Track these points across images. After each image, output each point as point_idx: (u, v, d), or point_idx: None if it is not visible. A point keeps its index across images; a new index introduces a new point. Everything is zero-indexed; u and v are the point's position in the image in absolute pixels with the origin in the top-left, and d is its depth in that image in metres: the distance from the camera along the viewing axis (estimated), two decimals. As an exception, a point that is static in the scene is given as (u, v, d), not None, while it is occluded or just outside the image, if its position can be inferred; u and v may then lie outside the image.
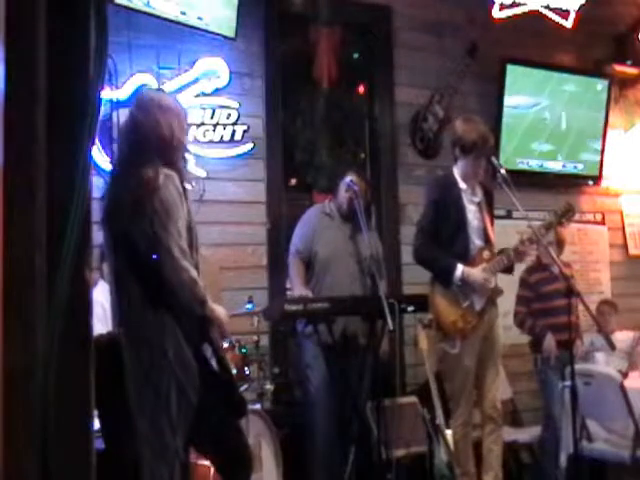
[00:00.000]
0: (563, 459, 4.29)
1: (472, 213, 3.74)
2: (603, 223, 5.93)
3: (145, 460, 2.37)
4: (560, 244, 4.63)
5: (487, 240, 3.76)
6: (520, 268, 4.36)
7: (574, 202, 4.34)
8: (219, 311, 2.57)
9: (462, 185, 3.74)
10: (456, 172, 3.77)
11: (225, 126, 4.34)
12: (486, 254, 3.72)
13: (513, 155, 5.29)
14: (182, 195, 2.51)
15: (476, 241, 3.72)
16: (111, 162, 2.52)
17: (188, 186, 2.65)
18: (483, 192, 3.80)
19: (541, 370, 4.51)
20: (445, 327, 3.69)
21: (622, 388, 3.93)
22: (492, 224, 3.87)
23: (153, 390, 2.37)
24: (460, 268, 3.63)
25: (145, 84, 4.11)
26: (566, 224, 3.97)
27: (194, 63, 4.28)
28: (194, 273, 2.45)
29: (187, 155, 2.74)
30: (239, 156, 4.42)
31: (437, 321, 3.74)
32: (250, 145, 4.43)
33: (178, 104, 2.69)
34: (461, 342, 3.64)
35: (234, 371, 3.45)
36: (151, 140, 2.51)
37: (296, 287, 4.06)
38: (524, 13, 5.00)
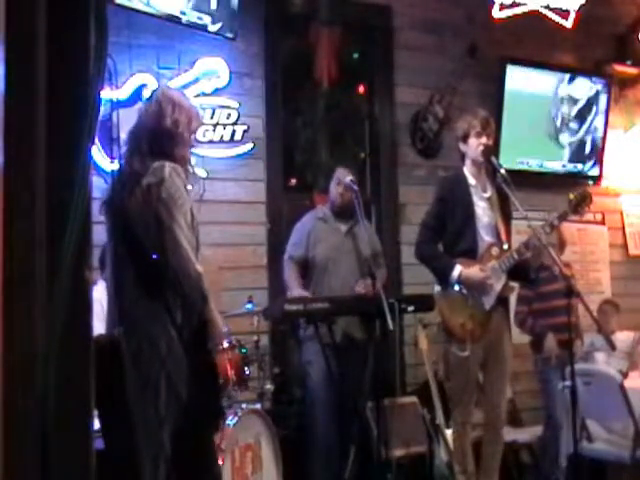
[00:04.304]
0: (563, 459, 4.29)
1: (482, 209, 3.67)
2: (603, 223, 5.93)
3: (136, 452, 2.36)
4: (562, 245, 4.63)
5: (498, 237, 3.67)
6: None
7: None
8: (217, 315, 2.57)
9: (472, 181, 3.70)
10: (466, 169, 3.74)
11: (225, 126, 4.34)
12: (495, 251, 3.64)
13: (513, 155, 5.29)
14: (187, 189, 2.53)
15: (485, 237, 3.65)
16: (121, 151, 2.54)
17: (189, 187, 2.66)
18: (496, 191, 3.71)
19: (542, 370, 4.50)
20: (454, 330, 3.62)
21: (622, 388, 3.93)
22: (507, 222, 3.76)
23: (142, 380, 2.36)
24: (458, 269, 3.57)
25: (145, 84, 4.11)
26: (583, 212, 3.73)
27: (194, 63, 4.28)
28: (200, 267, 2.47)
29: (191, 157, 2.75)
30: (239, 156, 4.42)
31: (446, 325, 3.66)
32: (250, 145, 4.43)
33: (193, 106, 2.73)
34: (471, 344, 3.57)
35: (231, 372, 3.46)
36: (156, 132, 2.55)
37: (293, 289, 4.06)
38: (524, 13, 5.00)
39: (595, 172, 5.75)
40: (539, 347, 4.46)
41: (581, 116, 5.66)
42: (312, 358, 4.00)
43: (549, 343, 4.38)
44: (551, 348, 4.37)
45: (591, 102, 5.70)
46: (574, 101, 5.61)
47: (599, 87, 5.72)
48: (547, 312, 4.41)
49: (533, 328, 4.50)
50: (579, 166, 5.70)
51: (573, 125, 5.64)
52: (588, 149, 5.71)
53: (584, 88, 5.65)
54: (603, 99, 5.72)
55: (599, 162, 5.77)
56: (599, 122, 5.73)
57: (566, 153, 5.62)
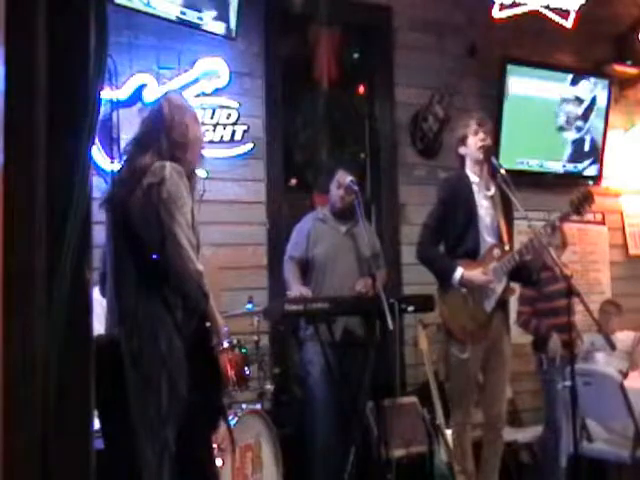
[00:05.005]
0: (563, 459, 4.29)
1: (484, 209, 3.67)
2: (603, 223, 5.93)
3: (139, 451, 2.37)
4: (564, 245, 4.62)
5: (500, 238, 3.66)
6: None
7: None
8: (217, 313, 2.59)
9: (474, 179, 3.70)
10: (468, 169, 3.74)
11: (225, 126, 4.34)
12: (496, 252, 3.63)
13: (513, 155, 5.29)
14: (188, 189, 2.54)
15: (487, 238, 3.65)
16: (122, 152, 2.57)
17: (199, 190, 2.71)
18: (499, 191, 3.71)
19: (546, 371, 4.49)
20: (455, 332, 3.63)
21: (622, 388, 3.93)
22: (509, 223, 3.76)
23: (143, 379, 2.37)
24: (459, 271, 3.57)
25: (145, 84, 4.11)
26: (585, 213, 3.68)
27: (194, 63, 4.28)
28: (200, 266, 2.48)
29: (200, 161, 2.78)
30: (239, 156, 4.42)
31: (446, 326, 3.67)
32: (250, 145, 4.43)
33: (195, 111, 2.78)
34: (471, 346, 3.57)
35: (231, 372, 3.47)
36: (165, 135, 2.57)
37: (293, 287, 4.07)
38: (524, 13, 4.99)
39: (595, 172, 5.74)
40: (543, 347, 4.45)
41: (581, 116, 5.67)
42: (312, 358, 4.00)
43: (554, 343, 4.36)
44: (556, 348, 4.35)
45: (591, 102, 5.71)
46: (580, 101, 5.62)
47: (599, 87, 5.72)
48: (551, 312, 4.39)
49: (538, 328, 4.47)
50: (579, 166, 5.70)
51: (573, 125, 5.64)
52: (587, 147, 5.71)
53: (587, 89, 5.66)
54: (603, 99, 5.72)
55: (599, 162, 5.77)
56: (598, 122, 5.73)
57: (567, 151, 5.62)
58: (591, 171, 5.73)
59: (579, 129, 5.63)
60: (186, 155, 2.61)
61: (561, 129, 5.57)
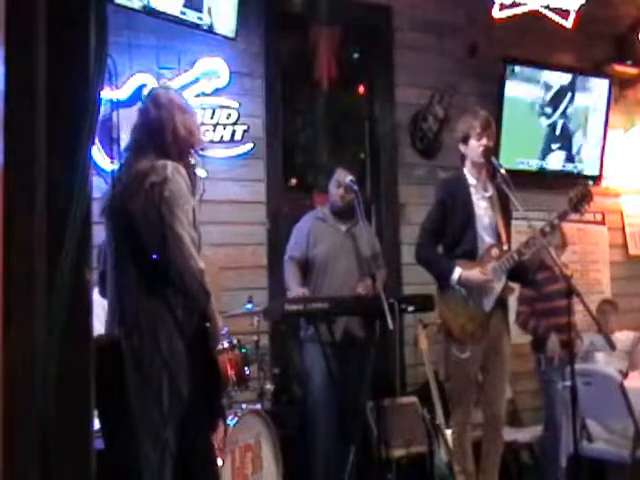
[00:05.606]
0: (563, 459, 4.29)
1: (482, 209, 3.66)
2: (603, 223, 5.93)
3: (140, 451, 2.37)
4: (563, 245, 4.62)
5: (498, 238, 3.66)
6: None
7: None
8: (217, 314, 2.59)
9: (472, 181, 3.69)
10: (466, 170, 3.73)
11: (225, 126, 4.34)
12: (495, 252, 3.63)
13: (513, 155, 5.28)
14: (190, 189, 2.54)
15: (485, 238, 3.64)
16: (122, 152, 2.56)
17: (199, 191, 2.71)
18: (497, 191, 3.70)
19: (544, 371, 4.49)
20: (455, 332, 3.62)
21: (622, 388, 3.93)
22: (507, 223, 3.75)
23: (143, 379, 2.37)
24: (458, 271, 3.57)
25: (145, 84, 4.11)
26: (583, 211, 3.63)
27: (194, 63, 4.28)
28: (202, 264, 2.48)
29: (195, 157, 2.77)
30: (239, 156, 4.42)
31: (446, 326, 3.67)
32: (250, 145, 4.43)
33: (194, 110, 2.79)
34: (471, 346, 3.57)
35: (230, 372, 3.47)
36: (166, 135, 2.57)
37: (293, 288, 4.07)
38: (524, 13, 4.99)
39: (595, 172, 5.72)
40: (541, 347, 4.45)
41: (581, 116, 5.66)
42: (313, 358, 4.00)
43: (552, 343, 4.36)
44: (554, 348, 4.36)
45: (591, 102, 5.70)
46: (573, 101, 5.62)
47: (599, 87, 5.72)
48: (550, 312, 4.39)
49: (536, 329, 4.48)
50: (579, 166, 5.70)
51: (573, 125, 5.64)
52: (588, 149, 5.71)
53: (584, 88, 5.66)
54: (603, 99, 5.72)
55: (599, 162, 5.77)
56: (599, 122, 5.73)
57: (566, 153, 5.61)
58: (559, 156, 5.64)
59: (548, 115, 5.59)
60: (181, 149, 2.60)
61: (539, 115, 5.56)
